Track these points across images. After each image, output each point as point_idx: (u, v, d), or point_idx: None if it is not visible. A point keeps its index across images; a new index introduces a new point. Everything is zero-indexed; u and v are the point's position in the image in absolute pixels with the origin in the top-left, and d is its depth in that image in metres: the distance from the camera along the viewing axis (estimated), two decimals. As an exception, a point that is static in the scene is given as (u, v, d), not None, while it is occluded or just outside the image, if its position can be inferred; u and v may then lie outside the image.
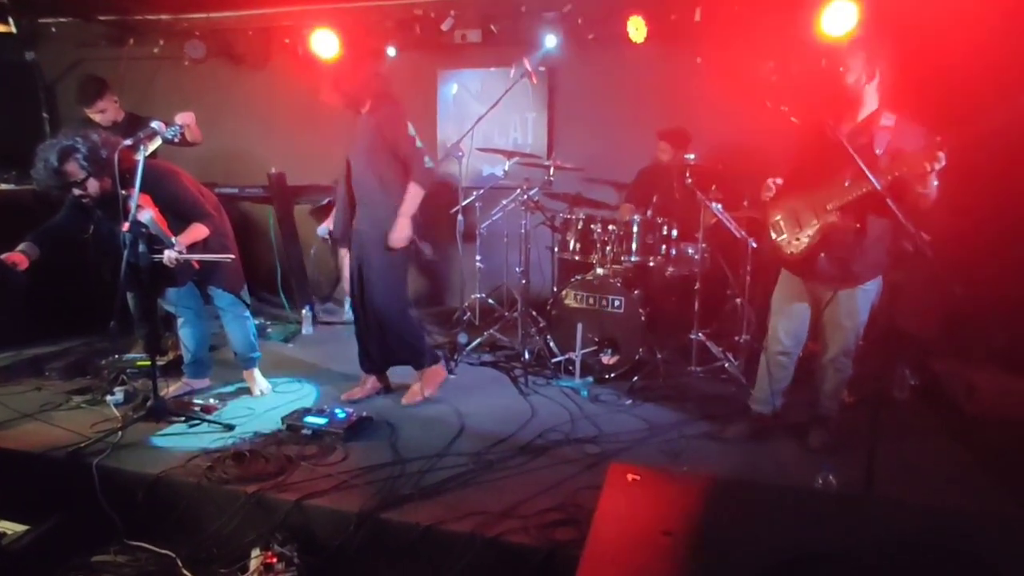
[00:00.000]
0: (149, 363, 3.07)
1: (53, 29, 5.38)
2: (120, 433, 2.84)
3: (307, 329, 4.64)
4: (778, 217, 2.75)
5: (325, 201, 4.75)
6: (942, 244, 2.30)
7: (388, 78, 3.30)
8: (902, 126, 2.47)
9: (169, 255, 2.84)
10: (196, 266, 3.01)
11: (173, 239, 2.85)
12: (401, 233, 3.03)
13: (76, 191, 2.84)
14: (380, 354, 3.34)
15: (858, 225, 2.53)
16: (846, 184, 2.49)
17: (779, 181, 2.77)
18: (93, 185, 2.83)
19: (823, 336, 2.82)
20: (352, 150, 3.15)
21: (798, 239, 2.67)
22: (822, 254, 2.62)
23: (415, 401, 3.33)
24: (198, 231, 3.00)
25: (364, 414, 3.03)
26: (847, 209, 2.52)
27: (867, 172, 2.24)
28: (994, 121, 2.16)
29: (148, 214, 2.78)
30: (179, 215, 2.99)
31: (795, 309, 2.82)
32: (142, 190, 2.75)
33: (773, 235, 2.76)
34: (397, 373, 3.50)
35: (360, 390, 3.41)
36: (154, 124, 2.84)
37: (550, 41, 4.48)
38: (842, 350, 2.77)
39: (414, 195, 3.02)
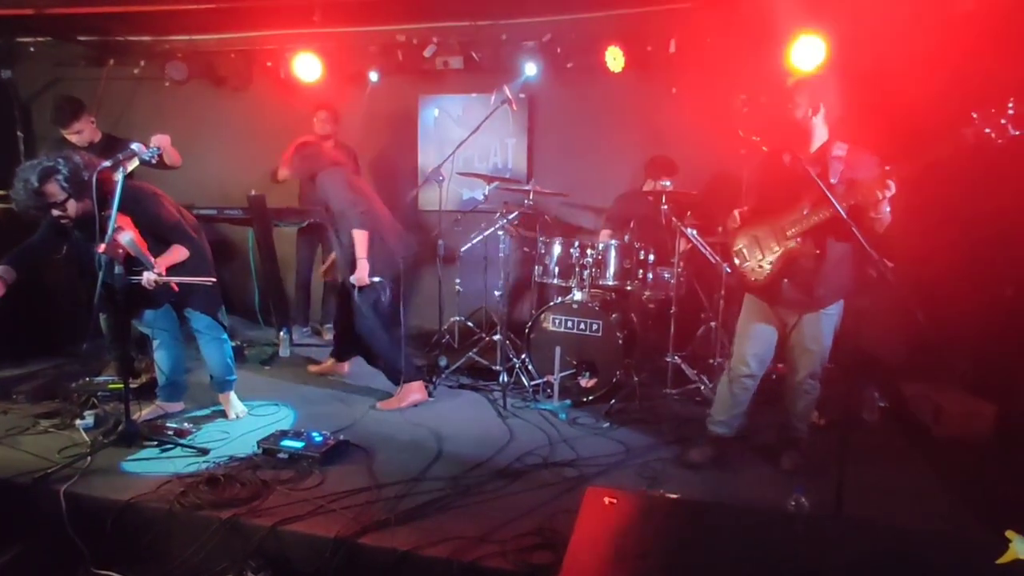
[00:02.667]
0: (121, 386, 3.02)
1: (31, 48, 5.35)
2: (89, 458, 2.78)
3: (284, 351, 4.60)
4: (741, 244, 2.84)
5: (305, 223, 4.75)
6: (905, 270, 2.40)
7: (331, 149, 3.84)
8: (854, 155, 2.59)
9: (148, 277, 2.82)
10: (175, 288, 2.99)
11: (152, 261, 2.84)
12: (360, 274, 3.45)
13: (55, 212, 2.81)
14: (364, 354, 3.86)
15: (818, 251, 2.63)
16: (804, 211, 2.60)
17: (744, 210, 2.87)
18: (73, 206, 2.81)
19: (790, 360, 2.88)
20: None
21: (761, 265, 2.76)
22: (785, 280, 2.71)
23: (388, 408, 3.59)
24: (178, 253, 2.98)
25: (342, 438, 3.01)
26: (807, 235, 2.62)
27: (831, 198, 2.33)
28: (939, 151, 2.27)
29: (128, 235, 2.77)
30: (159, 237, 2.97)
31: (762, 333, 2.88)
32: (122, 211, 2.73)
33: (737, 262, 2.86)
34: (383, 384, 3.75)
35: (322, 367, 4.17)
36: (133, 146, 2.83)
37: (530, 69, 4.59)
38: (809, 373, 2.84)
39: (357, 239, 3.45)
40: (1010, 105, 2.11)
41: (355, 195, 3.54)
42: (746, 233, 2.82)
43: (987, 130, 2.15)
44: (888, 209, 2.43)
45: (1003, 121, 2.12)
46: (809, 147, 2.65)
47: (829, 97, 2.61)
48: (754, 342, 2.88)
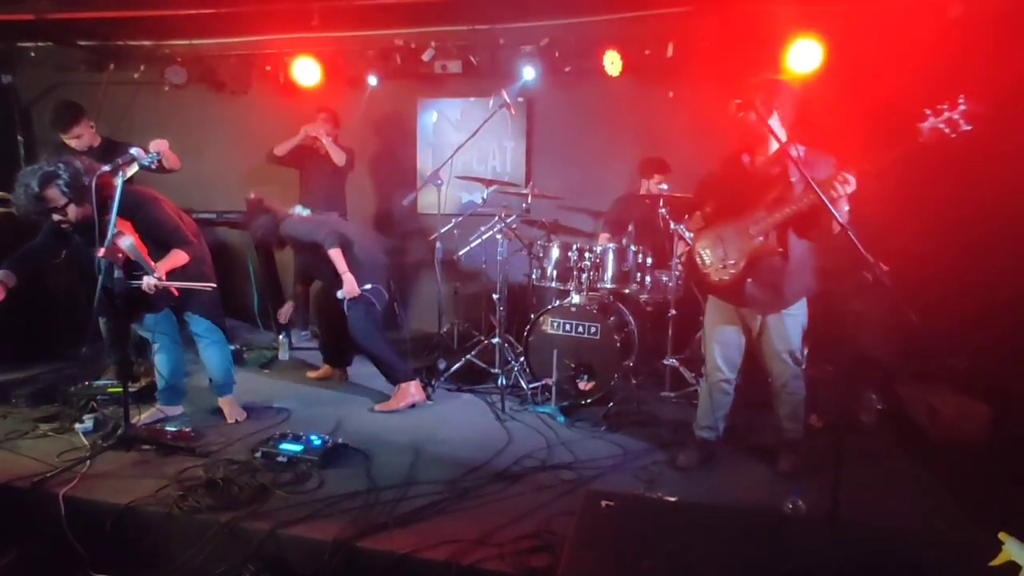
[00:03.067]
0: (120, 390, 3.03)
1: (32, 53, 5.37)
2: (88, 462, 2.78)
3: (283, 355, 4.61)
4: (704, 245, 2.84)
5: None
6: (900, 273, 2.42)
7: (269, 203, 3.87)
8: (811, 156, 2.62)
9: (148, 281, 2.83)
10: (175, 293, 3.00)
11: (152, 265, 2.85)
12: (348, 287, 3.51)
13: (56, 217, 2.83)
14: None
15: (781, 249, 2.66)
16: (766, 210, 2.63)
17: (707, 211, 2.89)
18: (73, 211, 2.82)
19: (765, 366, 2.90)
20: None
21: (725, 266, 2.76)
22: (749, 279, 2.72)
23: (386, 409, 3.62)
24: (178, 257, 2.99)
25: (340, 441, 3.02)
26: (770, 234, 2.65)
27: (816, 188, 2.34)
28: (896, 149, 2.32)
29: (128, 240, 2.78)
30: (159, 241, 2.98)
31: (728, 336, 2.89)
32: (122, 216, 2.75)
33: (699, 263, 2.86)
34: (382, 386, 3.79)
35: (320, 372, 4.20)
36: (133, 151, 2.85)
37: (528, 73, 4.61)
38: (788, 375, 2.85)
39: (333, 258, 3.51)
40: (960, 100, 2.17)
41: (314, 222, 3.73)
42: (709, 234, 2.84)
43: (941, 126, 2.20)
44: (847, 208, 2.47)
45: (955, 116, 2.17)
46: (767, 149, 2.68)
47: (784, 101, 2.62)
48: (722, 346, 2.90)
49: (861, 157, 2.37)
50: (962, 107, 2.17)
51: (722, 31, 4.23)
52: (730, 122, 2.74)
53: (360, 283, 3.53)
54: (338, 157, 4.58)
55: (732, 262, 2.72)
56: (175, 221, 3.09)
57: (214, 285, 3.12)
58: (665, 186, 3.95)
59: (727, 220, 2.76)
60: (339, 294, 3.53)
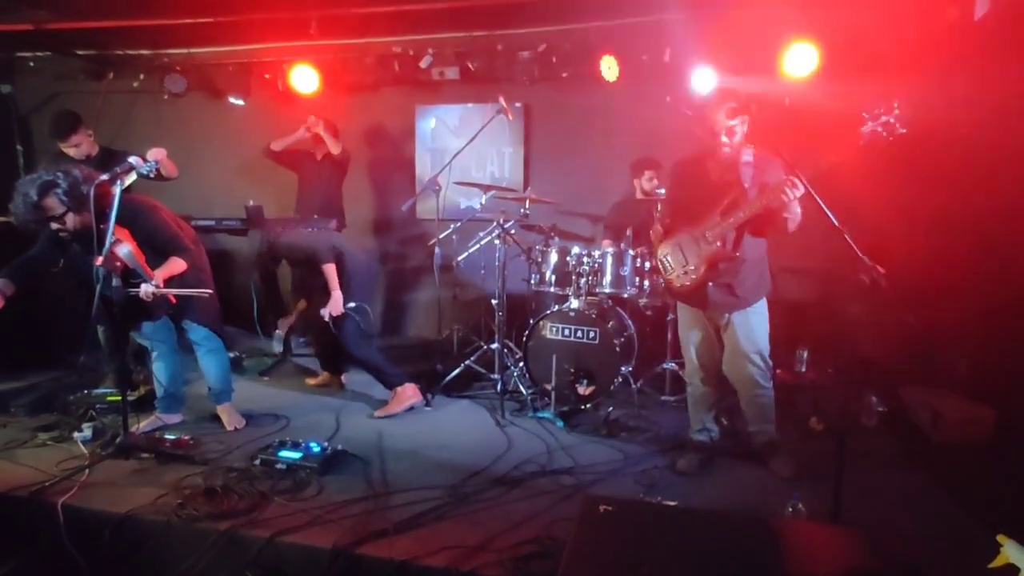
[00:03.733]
0: (119, 398, 3.02)
1: (31, 63, 5.39)
2: (87, 471, 2.78)
3: (277, 347, 4.66)
4: (665, 254, 2.90)
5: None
6: (900, 275, 2.42)
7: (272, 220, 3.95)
8: (761, 159, 2.69)
9: (146, 289, 2.83)
10: (173, 301, 3.00)
11: (150, 273, 2.85)
12: (334, 306, 3.53)
13: (54, 226, 2.83)
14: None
15: (737, 253, 2.73)
16: (721, 215, 2.69)
17: (666, 221, 2.97)
18: (72, 220, 2.83)
19: (731, 371, 2.92)
20: None
21: (686, 271, 2.82)
22: (710, 283, 2.78)
23: (384, 415, 3.62)
24: (176, 265, 2.99)
25: (339, 447, 3.01)
26: (726, 238, 2.72)
27: (814, 195, 2.39)
28: (837, 153, 2.41)
29: (126, 248, 2.78)
30: (157, 249, 2.98)
31: (699, 337, 2.95)
32: (120, 224, 2.75)
33: (663, 271, 2.93)
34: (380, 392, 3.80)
35: (320, 380, 4.19)
36: (131, 159, 2.85)
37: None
38: (757, 375, 2.86)
39: (328, 273, 3.52)
40: (895, 105, 2.29)
41: (310, 237, 3.74)
42: (669, 242, 2.90)
43: (878, 129, 2.30)
44: (799, 209, 2.54)
45: (891, 120, 2.28)
46: (721, 151, 2.70)
47: (750, 107, 2.67)
48: (695, 347, 2.97)
49: (805, 161, 2.44)
50: (897, 111, 2.28)
51: (719, 35, 4.24)
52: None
53: (348, 299, 3.55)
54: (335, 147, 4.60)
55: (692, 267, 2.78)
56: (173, 229, 3.09)
57: (211, 292, 3.12)
58: (662, 190, 3.94)
59: (685, 227, 2.82)
60: (323, 311, 3.53)
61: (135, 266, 2.82)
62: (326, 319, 3.55)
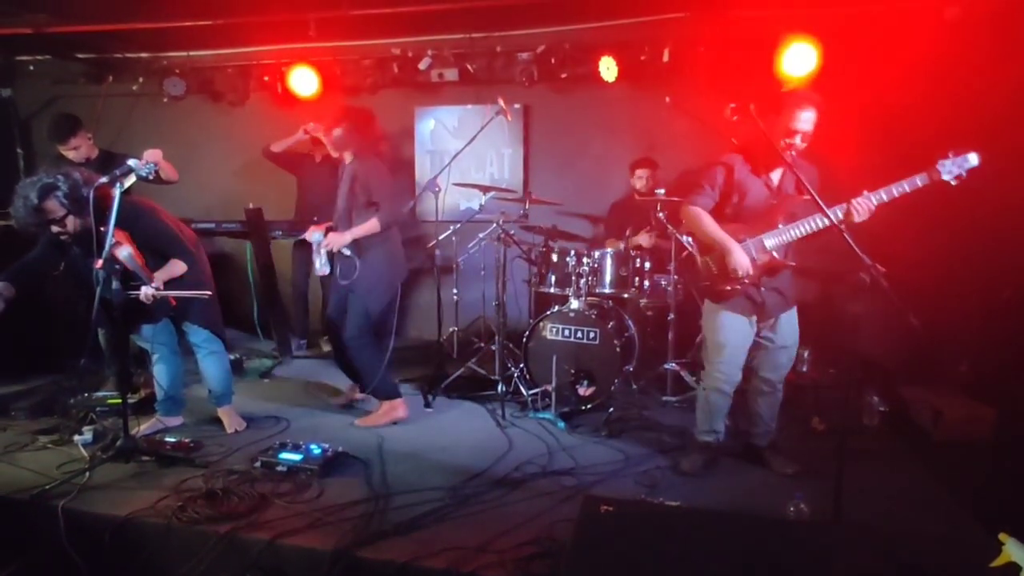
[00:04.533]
0: (120, 401, 3.02)
1: (31, 67, 5.40)
2: (88, 474, 2.78)
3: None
4: (707, 259, 2.83)
5: (302, 236, 4.76)
6: (901, 274, 2.41)
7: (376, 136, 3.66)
8: (802, 167, 2.65)
9: (146, 291, 2.83)
10: (173, 303, 3.00)
11: (150, 276, 2.85)
12: (337, 238, 3.32)
13: (55, 228, 2.83)
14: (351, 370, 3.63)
15: (793, 263, 2.75)
16: (784, 224, 2.68)
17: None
18: (72, 222, 2.83)
19: (767, 362, 2.90)
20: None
21: (735, 276, 2.72)
22: (762, 288, 2.76)
23: (367, 425, 3.49)
24: (176, 267, 3.00)
25: (340, 449, 3.01)
26: (785, 248, 2.72)
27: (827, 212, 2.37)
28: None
29: (126, 250, 2.79)
30: (157, 251, 2.99)
31: (737, 341, 2.87)
32: (120, 227, 2.75)
33: (707, 271, 2.83)
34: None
35: (347, 395, 3.86)
36: (130, 162, 2.85)
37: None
38: (782, 379, 2.91)
39: (367, 227, 3.32)
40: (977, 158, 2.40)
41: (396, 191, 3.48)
42: (716, 247, 2.81)
43: (953, 173, 2.43)
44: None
45: (963, 173, 2.42)
46: (777, 162, 2.68)
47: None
48: (730, 349, 2.86)
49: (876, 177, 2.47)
50: (975, 165, 2.40)
51: (718, 35, 4.25)
52: (727, 126, 2.75)
53: (379, 278, 3.39)
54: (334, 149, 4.59)
55: (741, 274, 2.70)
56: (173, 231, 3.09)
57: (210, 293, 3.12)
58: (661, 190, 3.94)
59: (741, 230, 2.74)
60: (331, 242, 3.32)
61: (135, 268, 2.82)
62: (345, 282, 3.33)
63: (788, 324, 2.86)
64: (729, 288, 2.77)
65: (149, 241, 2.97)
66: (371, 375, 3.47)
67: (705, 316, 2.94)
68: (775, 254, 2.71)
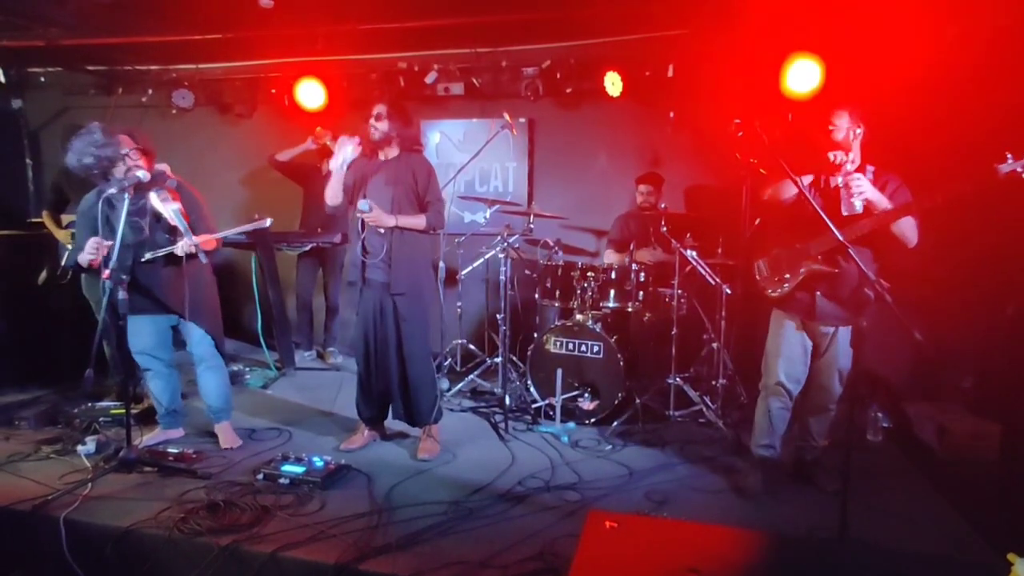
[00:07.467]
0: (123, 411, 3.02)
1: (42, 79, 5.46)
2: (90, 484, 2.78)
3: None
4: (761, 262, 2.86)
5: (307, 247, 4.79)
6: (905, 290, 2.41)
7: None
8: (882, 177, 2.64)
9: (186, 242, 2.94)
10: (214, 245, 3.11)
11: (191, 232, 2.97)
12: (380, 215, 3.05)
13: (125, 164, 2.91)
14: (403, 407, 3.30)
15: (836, 269, 2.67)
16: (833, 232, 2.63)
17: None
18: (139, 160, 2.94)
19: (821, 380, 2.85)
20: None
21: (778, 279, 2.76)
22: (819, 293, 2.70)
23: (435, 454, 3.24)
24: (211, 242, 3.09)
25: (342, 462, 3.00)
26: (829, 257, 2.66)
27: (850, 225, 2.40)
28: (965, 186, 2.36)
29: (175, 206, 2.96)
30: (192, 226, 3.04)
31: (794, 350, 2.83)
32: (176, 192, 3.01)
33: (756, 275, 2.88)
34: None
35: (359, 438, 3.38)
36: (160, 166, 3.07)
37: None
38: (837, 394, 2.85)
39: (415, 221, 3.14)
40: None
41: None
42: (768, 251, 2.86)
43: (1018, 169, 2.25)
44: (907, 226, 2.55)
45: None
46: (839, 171, 2.65)
47: (865, 119, 2.65)
48: (787, 360, 2.83)
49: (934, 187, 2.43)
50: None
51: (722, 51, 4.28)
52: (731, 142, 2.76)
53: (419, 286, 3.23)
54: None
55: (787, 277, 2.72)
56: (210, 217, 3.23)
57: (269, 223, 3.31)
58: (664, 205, 3.96)
59: (794, 240, 2.74)
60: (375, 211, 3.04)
61: (179, 222, 2.95)
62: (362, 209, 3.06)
63: (845, 341, 2.76)
64: (772, 294, 2.79)
65: (190, 210, 3.06)
66: (432, 403, 3.27)
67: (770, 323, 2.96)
68: (819, 259, 2.67)
